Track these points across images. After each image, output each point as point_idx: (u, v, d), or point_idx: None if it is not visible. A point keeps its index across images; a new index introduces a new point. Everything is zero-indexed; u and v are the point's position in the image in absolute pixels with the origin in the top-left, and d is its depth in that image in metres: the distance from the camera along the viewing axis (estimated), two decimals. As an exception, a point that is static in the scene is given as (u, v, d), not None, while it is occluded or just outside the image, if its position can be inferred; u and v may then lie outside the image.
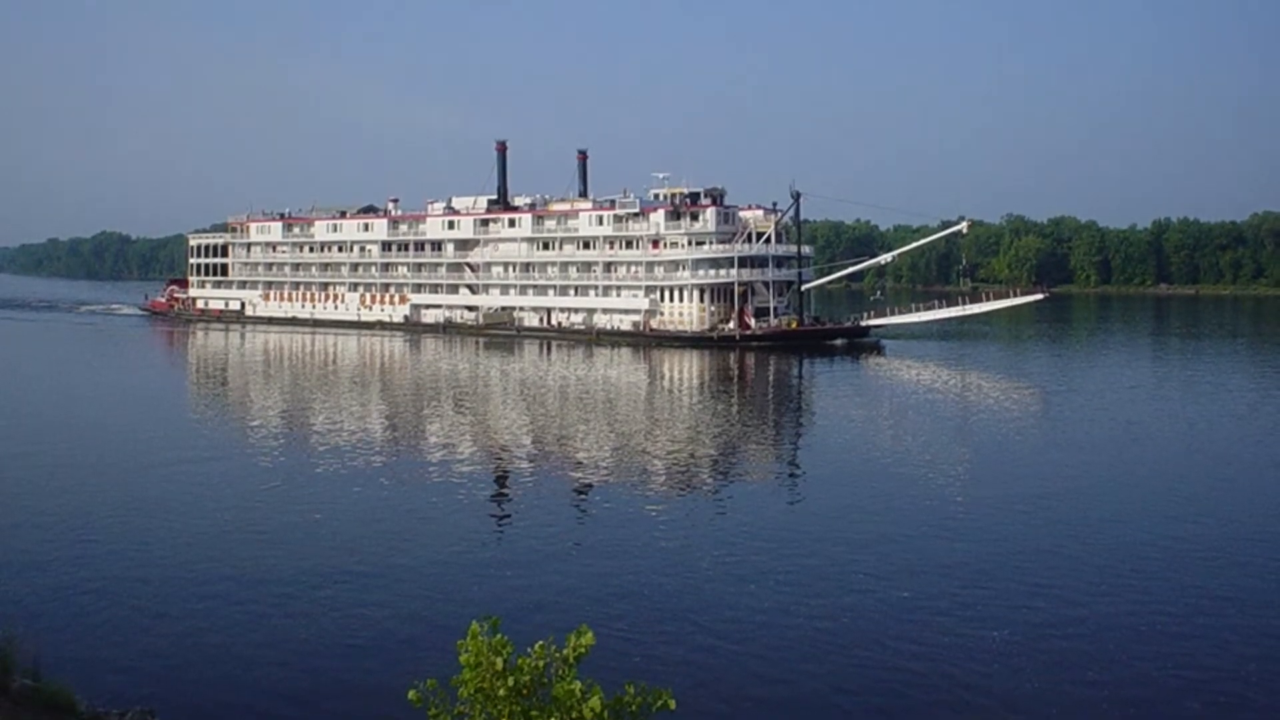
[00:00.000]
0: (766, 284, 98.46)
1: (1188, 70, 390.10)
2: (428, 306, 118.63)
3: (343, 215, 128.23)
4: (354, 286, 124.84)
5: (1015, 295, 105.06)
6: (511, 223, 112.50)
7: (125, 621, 24.53)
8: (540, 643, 9.07)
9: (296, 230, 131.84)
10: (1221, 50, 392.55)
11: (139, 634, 23.84)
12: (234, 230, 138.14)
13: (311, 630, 23.91)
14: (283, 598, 26.03)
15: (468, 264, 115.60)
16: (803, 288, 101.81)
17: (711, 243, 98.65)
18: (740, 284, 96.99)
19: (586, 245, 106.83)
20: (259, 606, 25.38)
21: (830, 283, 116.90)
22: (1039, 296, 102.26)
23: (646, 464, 43.06)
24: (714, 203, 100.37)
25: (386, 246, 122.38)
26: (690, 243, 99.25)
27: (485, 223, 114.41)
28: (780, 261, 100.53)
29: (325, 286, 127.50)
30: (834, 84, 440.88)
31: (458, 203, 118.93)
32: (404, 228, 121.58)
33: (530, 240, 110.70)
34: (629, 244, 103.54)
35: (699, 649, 23.04)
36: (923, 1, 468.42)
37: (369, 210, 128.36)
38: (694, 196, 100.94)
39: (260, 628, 24.13)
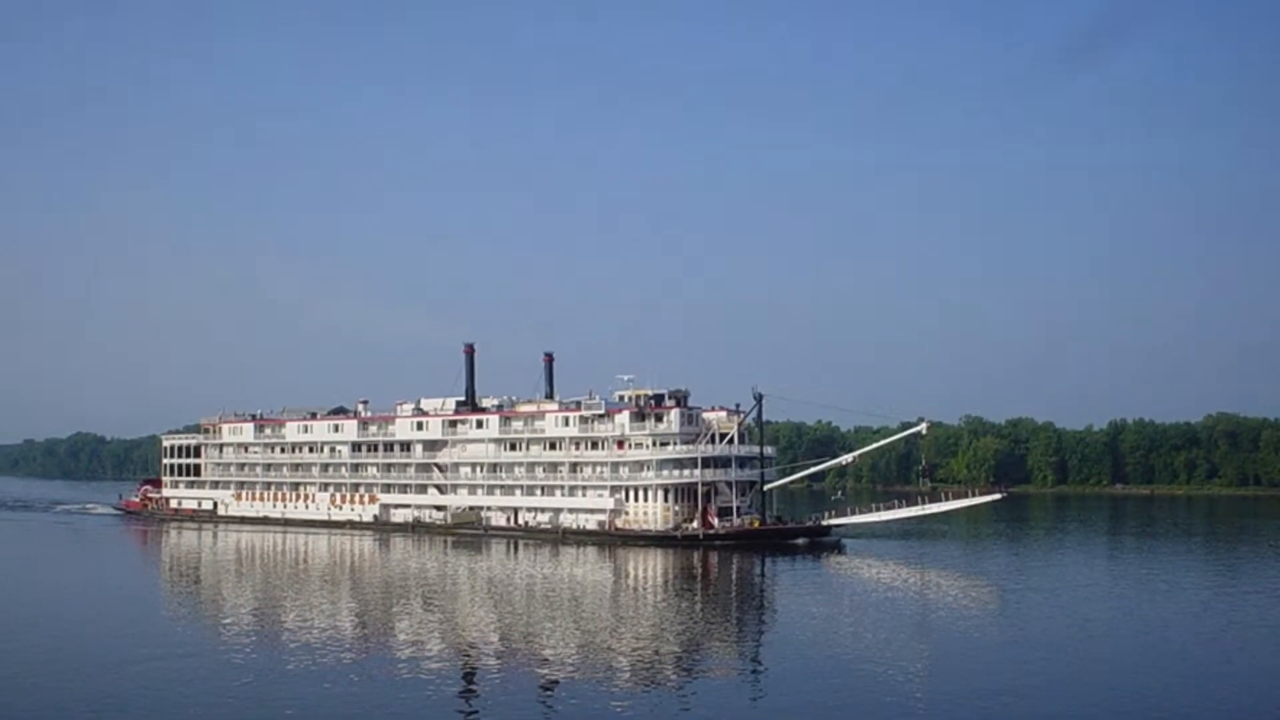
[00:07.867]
0: (730, 484, 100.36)
1: (1142, 276, 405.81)
2: (397, 506, 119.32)
3: (313, 416, 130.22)
4: (324, 486, 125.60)
5: (974, 495, 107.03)
6: (479, 424, 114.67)
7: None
8: None
9: (268, 431, 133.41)
10: (1175, 257, 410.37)
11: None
12: (206, 431, 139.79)
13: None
14: (256, 791, 26.53)
15: (436, 464, 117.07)
16: (765, 487, 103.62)
17: (675, 443, 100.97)
18: (704, 484, 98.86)
19: (553, 446, 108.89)
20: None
21: (792, 482, 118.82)
22: (997, 496, 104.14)
23: (612, 660, 43.77)
24: (678, 404, 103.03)
25: (356, 447, 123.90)
26: (655, 443, 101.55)
27: (453, 424, 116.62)
28: (743, 462, 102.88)
29: (296, 486, 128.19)
30: (792, 290, 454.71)
31: (426, 404, 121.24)
32: (373, 428, 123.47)
33: (498, 441, 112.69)
34: (594, 444, 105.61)
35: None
36: (881, 204, 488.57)
37: (339, 411, 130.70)
38: (658, 398, 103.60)
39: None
